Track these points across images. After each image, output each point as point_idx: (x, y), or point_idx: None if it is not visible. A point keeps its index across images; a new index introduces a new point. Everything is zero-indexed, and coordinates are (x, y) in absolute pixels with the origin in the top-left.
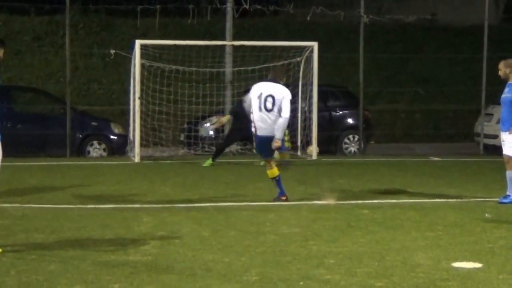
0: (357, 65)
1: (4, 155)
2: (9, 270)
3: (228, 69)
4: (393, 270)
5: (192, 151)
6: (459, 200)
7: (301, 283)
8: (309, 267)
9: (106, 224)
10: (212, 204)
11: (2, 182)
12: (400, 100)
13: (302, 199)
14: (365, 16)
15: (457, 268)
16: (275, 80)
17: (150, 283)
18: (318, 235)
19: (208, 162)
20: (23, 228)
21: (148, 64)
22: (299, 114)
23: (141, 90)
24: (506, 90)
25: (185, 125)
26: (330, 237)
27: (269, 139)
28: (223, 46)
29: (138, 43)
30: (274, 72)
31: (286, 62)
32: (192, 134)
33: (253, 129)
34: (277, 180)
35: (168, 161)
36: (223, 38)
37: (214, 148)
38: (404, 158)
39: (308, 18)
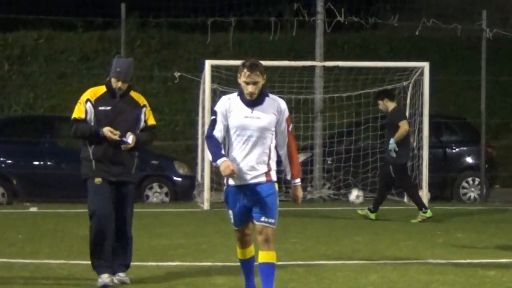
0: (477, 91)
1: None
2: None
3: (318, 95)
4: None
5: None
6: None
7: None
8: None
9: (172, 285)
10: (300, 262)
11: None
12: None
13: (410, 257)
14: (488, 30)
15: None
16: None
17: None
18: None
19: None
20: None
21: (220, 89)
22: None
23: None
24: None
25: None
26: None
27: None
28: (312, 67)
29: (208, 63)
30: None
31: (389, 87)
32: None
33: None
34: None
35: None
36: (311, 57)
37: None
38: None
39: (417, 33)
